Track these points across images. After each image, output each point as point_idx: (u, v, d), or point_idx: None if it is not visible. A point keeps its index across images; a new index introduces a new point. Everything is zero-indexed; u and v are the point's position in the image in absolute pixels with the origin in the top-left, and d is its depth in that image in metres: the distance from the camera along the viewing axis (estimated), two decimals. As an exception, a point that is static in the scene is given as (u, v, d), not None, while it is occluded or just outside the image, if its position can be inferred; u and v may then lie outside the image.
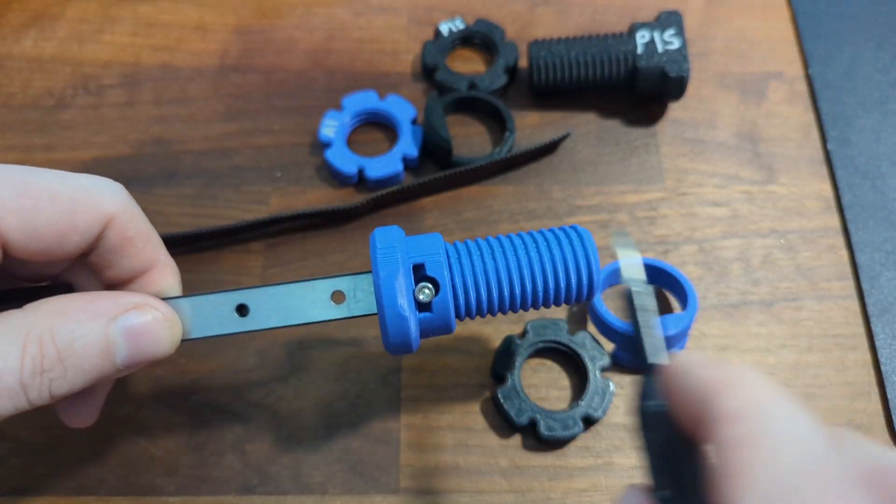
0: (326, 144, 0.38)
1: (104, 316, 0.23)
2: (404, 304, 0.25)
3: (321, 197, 0.38)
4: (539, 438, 0.31)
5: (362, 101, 0.39)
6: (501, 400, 0.32)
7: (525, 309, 0.28)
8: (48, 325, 0.22)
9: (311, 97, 0.41)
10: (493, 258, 0.27)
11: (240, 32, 0.43)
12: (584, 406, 0.32)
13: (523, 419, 0.31)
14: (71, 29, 0.43)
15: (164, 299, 0.26)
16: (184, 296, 0.26)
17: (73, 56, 0.42)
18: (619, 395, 0.33)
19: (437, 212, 0.37)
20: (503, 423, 0.32)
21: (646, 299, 0.24)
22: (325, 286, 0.27)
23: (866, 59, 0.42)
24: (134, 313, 0.24)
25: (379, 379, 0.33)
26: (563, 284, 0.27)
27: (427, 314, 0.26)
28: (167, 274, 0.26)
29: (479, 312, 0.27)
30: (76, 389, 0.23)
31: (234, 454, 0.32)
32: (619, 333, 0.32)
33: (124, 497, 0.31)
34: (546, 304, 0.28)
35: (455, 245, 0.28)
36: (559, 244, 0.27)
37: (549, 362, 0.34)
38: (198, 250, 0.36)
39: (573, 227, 0.28)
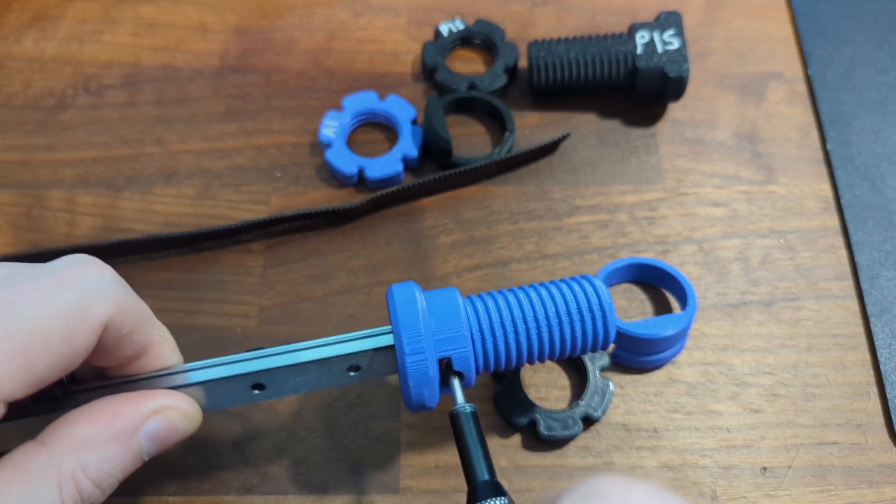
0: (326, 144, 0.38)
1: (128, 432, 0.24)
2: (432, 398, 0.26)
3: (321, 197, 0.38)
4: (539, 438, 0.31)
5: (362, 101, 0.39)
6: (501, 400, 0.32)
7: (541, 362, 0.29)
8: (76, 461, 0.22)
9: (311, 97, 0.41)
10: (516, 334, 0.27)
11: (240, 33, 0.43)
12: (583, 406, 0.32)
13: (523, 419, 0.31)
14: (71, 29, 0.43)
15: (180, 385, 0.26)
16: (200, 382, 0.26)
17: (73, 56, 0.42)
18: (618, 395, 0.33)
19: (437, 212, 0.37)
20: (503, 422, 0.32)
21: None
22: (342, 362, 0.26)
23: (866, 60, 0.42)
24: (155, 420, 0.24)
25: (379, 379, 0.33)
26: (579, 344, 0.28)
27: (446, 390, 0.27)
28: (165, 349, 0.26)
29: (494, 370, 0.28)
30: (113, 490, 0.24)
31: (234, 454, 0.32)
32: (619, 333, 0.32)
33: (124, 497, 0.31)
34: (561, 357, 0.28)
35: (477, 315, 0.27)
36: (577, 305, 0.27)
37: (548, 361, 0.34)
38: (198, 250, 0.36)
39: (586, 279, 0.28)
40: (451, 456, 0.32)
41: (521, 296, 0.27)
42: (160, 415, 0.24)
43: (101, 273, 0.23)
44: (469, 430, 0.25)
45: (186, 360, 0.33)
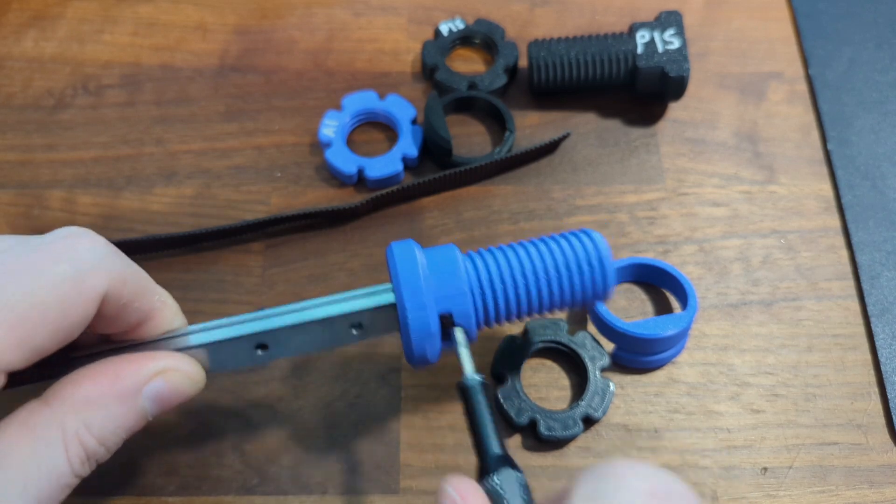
0: (326, 144, 0.38)
1: (131, 392, 0.24)
2: (433, 354, 0.26)
3: (321, 197, 0.38)
4: (539, 438, 0.31)
5: (362, 100, 0.39)
6: (501, 400, 0.32)
7: (539, 315, 0.29)
8: (80, 420, 0.23)
9: (311, 97, 0.41)
10: (515, 287, 0.27)
11: (240, 32, 0.43)
12: (584, 406, 0.32)
13: (523, 419, 0.31)
14: (71, 29, 0.43)
15: (183, 347, 0.26)
16: (203, 344, 0.26)
17: (73, 56, 0.42)
18: (619, 396, 0.33)
19: (437, 212, 0.37)
20: (503, 423, 0.32)
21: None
22: (345, 321, 0.26)
23: (866, 60, 0.42)
24: (158, 381, 0.24)
25: (379, 379, 0.33)
26: (579, 294, 0.28)
27: (447, 344, 0.27)
28: (167, 314, 0.26)
29: (498, 323, 0.28)
30: (116, 449, 0.24)
31: (234, 454, 0.32)
32: (619, 333, 0.32)
33: (124, 497, 0.31)
34: (561, 310, 0.29)
35: (476, 272, 0.27)
36: (575, 256, 0.28)
37: (549, 362, 0.34)
38: (198, 250, 0.36)
39: (584, 232, 0.28)
40: (451, 456, 0.32)
41: (520, 251, 0.28)
42: (163, 376, 0.24)
43: (95, 244, 0.23)
44: (479, 402, 0.25)
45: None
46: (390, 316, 0.27)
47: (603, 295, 0.28)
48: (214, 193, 0.38)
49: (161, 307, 0.26)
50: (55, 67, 0.42)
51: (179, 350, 0.26)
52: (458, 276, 0.26)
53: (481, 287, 0.27)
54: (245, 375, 0.33)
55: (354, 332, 0.27)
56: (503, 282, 0.27)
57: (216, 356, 0.26)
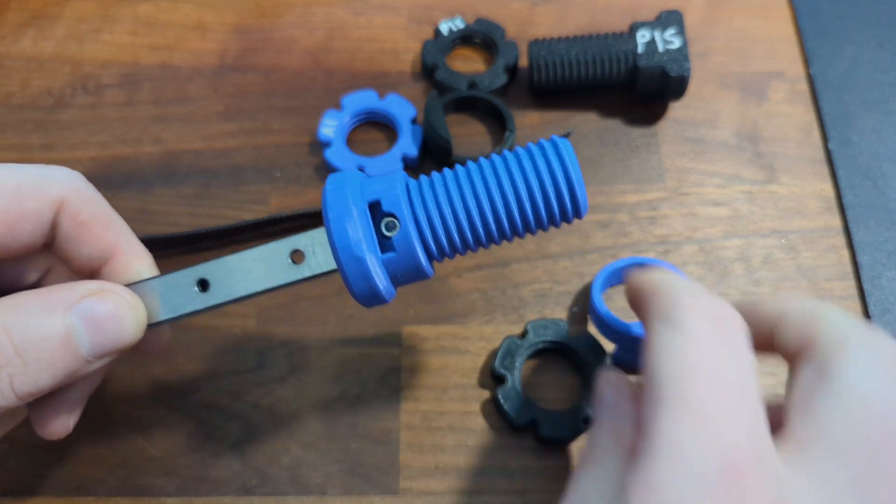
0: (326, 144, 0.38)
1: (60, 306, 0.22)
2: (360, 243, 0.23)
3: (320, 197, 0.38)
4: (539, 439, 0.31)
5: (362, 100, 0.39)
6: (501, 400, 0.32)
7: (507, 237, 0.25)
8: (1, 321, 0.21)
9: (310, 97, 0.41)
10: (458, 183, 0.25)
11: (239, 32, 0.43)
12: (584, 406, 0.31)
13: (524, 420, 0.31)
14: (70, 28, 0.43)
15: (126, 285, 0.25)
16: (142, 280, 0.26)
17: (71, 55, 0.42)
18: (619, 396, 0.33)
19: (437, 212, 0.37)
20: (503, 423, 0.32)
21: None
22: (282, 247, 0.25)
23: (867, 59, 0.42)
24: (92, 300, 0.23)
25: (378, 379, 0.33)
26: (541, 202, 0.25)
27: (391, 254, 0.24)
28: (133, 260, 0.25)
29: (454, 247, 0.25)
30: (45, 386, 0.22)
31: (233, 455, 0.31)
32: (620, 333, 0.32)
33: (123, 497, 0.31)
34: (529, 228, 0.25)
35: (420, 178, 0.25)
36: (532, 158, 0.25)
37: (549, 362, 0.34)
38: (198, 250, 0.36)
39: (551, 139, 0.25)
40: (450, 457, 0.31)
41: (472, 165, 0.25)
42: (98, 296, 0.23)
43: (72, 171, 0.25)
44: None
45: (185, 362, 0.33)
46: (326, 241, 0.25)
47: (574, 209, 0.25)
48: (213, 193, 0.38)
49: (127, 251, 0.25)
50: (54, 67, 0.42)
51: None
52: (394, 175, 0.24)
53: (420, 185, 0.25)
54: (243, 375, 0.33)
55: (294, 263, 0.25)
56: (444, 177, 0.25)
57: (158, 295, 0.25)
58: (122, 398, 0.33)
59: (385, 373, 0.33)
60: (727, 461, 0.19)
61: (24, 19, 0.43)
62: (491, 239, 0.25)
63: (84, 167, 0.38)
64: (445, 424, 0.32)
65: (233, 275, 0.26)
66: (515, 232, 0.25)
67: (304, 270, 0.25)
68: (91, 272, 0.26)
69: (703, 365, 0.20)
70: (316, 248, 0.25)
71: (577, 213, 0.25)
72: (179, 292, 0.26)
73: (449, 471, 0.31)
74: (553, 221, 0.25)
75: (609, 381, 0.25)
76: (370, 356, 0.34)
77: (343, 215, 0.24)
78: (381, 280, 0.24)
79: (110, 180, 0.38)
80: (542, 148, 0.25)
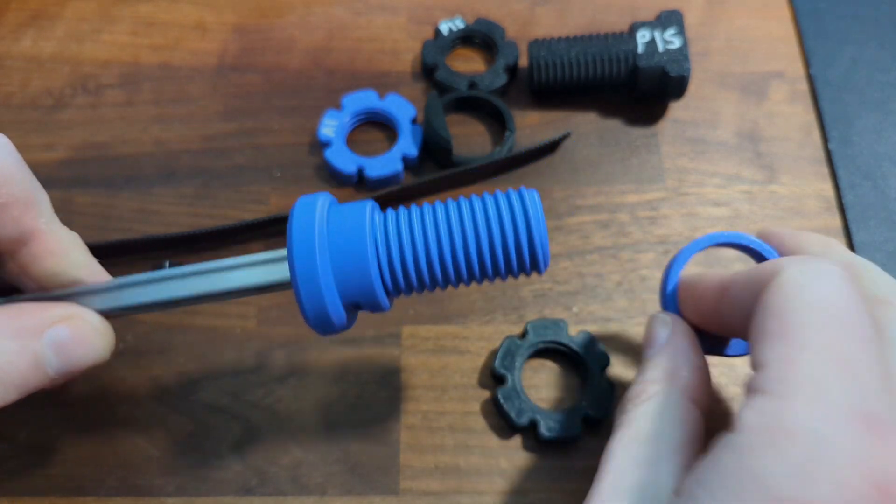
0: (326, 144, 0.38)
1: (31, 332, 0.23)
2: (340, 323, 0.24)
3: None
4: (539, 439, 0.31)
5: (362, 100, 0.39)
6: (501, 400, 0.32)
7: (465, 283, 0.25)
8: None
9: (310, 97, 0.41)
10: (423, 227, 0.24)
11: (239, 32, 0.43)
12: (584, 407, 0.31)
13: (524, 420, 0.31)
14: (70, 28, 0.43)
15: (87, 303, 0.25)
16: (108, 309, 0.25)
17: (71, 55, 0.42)
18: (620, 396, 0.33)
19: (437, 212, 0.37)
20: (503, 423, 0.32)
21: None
22: (239, 295, 0.25)
23: (868, 59, 0.42)
24: (60, 327, 0.23)
25: (378, 379, 0.33)
26: (500, 256, 0.24)
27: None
28: (56, 243, 0.25)
29: (410, 291, 0.25)
30: (11, 400, 0.23)
31: (233, 455, 0.31)
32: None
33: (123, 497, 0.31)
34: (486, 277, 0.25)
35: (386, 214, 0.25)
36: (497, 208, 0.24)
37: (549, 362, 0.34)
38: (197, 250, 0.36)
39: (519, 190, 0.25)
40: (450, 457, 0.31)
41: (439, 209, 0.25)
42: (67, 323, 0.23)
43: None
44: None
45: (185, 362, 0.33)
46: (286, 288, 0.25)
47: (530, 259, 0.24)
48: (213, 193, 0.38)
49: (49, 234, 0.25)
50: (54, 67, 0.42)
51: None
52: (360, 230, 0.24)
53: (389, 255, 0.24)
54: (244, 376, 0.33)
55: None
56: (411, 228, 0.24)
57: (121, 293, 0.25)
58: (122, 398, 0.33)
59: (385, 373, 0.33)
60: (870, 411, 0.19)
61: (24, 19, 0.43)
62: (448, 282, 0.25)
63: (84, 167, 0.38)
64: (445, 424, 0.32)
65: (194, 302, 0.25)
66: (473, 279, 0.25)
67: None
68: (8, 253, 0.25)
69: (846, 314, 0.20)
70: (272, 291, 0.25)
71: (537, 269, 0.25)
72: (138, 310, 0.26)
73: (449, 471, 0.31)
74: (511, 274, 0.25)
75: (663, 321, 0.26)
76: (370, 356, 0.33)
77: (325, 324, 0.24)
78: (338, 317, 0.24)
79: (110, 181, 0.38)
80: (509, 200, 0.24)
